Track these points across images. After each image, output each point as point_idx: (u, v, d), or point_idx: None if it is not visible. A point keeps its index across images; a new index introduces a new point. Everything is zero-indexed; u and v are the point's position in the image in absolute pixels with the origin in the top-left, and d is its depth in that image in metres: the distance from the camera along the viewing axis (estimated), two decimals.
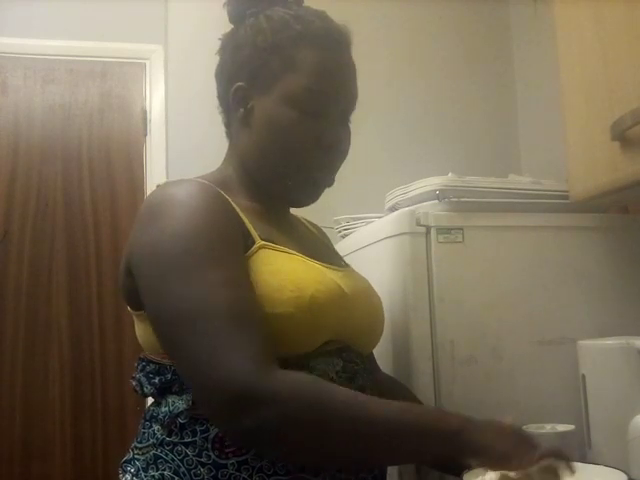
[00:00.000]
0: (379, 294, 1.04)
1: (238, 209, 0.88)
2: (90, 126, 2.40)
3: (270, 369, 0.72)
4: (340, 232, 1.71)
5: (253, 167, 0.96)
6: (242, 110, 0.95)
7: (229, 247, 0.81)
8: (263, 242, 0.85)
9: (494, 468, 0.71)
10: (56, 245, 2.31)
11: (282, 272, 0.83)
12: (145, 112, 2.43)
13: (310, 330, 0.83)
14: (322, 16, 0.97)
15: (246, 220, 0.87)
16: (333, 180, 0.99)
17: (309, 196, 0.98)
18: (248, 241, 0.85)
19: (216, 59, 1.00)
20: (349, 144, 0.99)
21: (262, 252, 0.84)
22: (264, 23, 0.94)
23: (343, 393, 0.76)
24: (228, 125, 1.01)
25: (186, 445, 0.80)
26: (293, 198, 0.99)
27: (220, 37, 1.00)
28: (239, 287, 0.78)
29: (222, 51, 0.99)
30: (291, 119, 0.91)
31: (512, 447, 0.72)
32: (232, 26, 1.00)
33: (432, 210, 1.25)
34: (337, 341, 0.88)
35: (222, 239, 0.81)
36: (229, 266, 0.79)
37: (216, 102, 1.01)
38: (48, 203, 2.32)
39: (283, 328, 0.80)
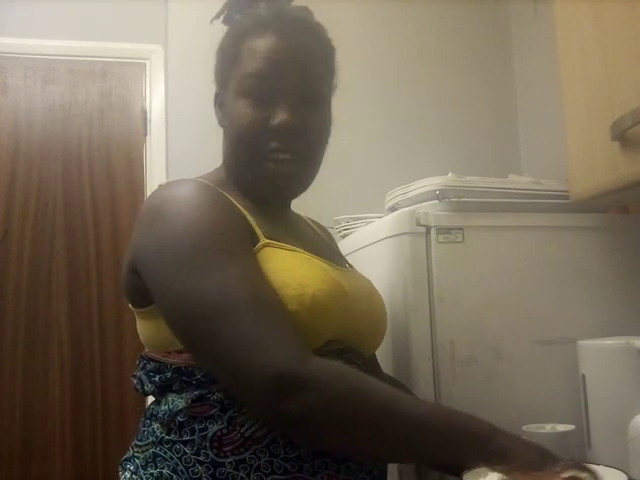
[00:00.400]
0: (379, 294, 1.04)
1: (241, 207, 0.88)
2: (90, 126, 2.40)
3: (309, 354, 0.74)
4: (340, 232, 1.71)
5: (231, 166, 0.98)
6: (220, 113, 0.99)
7: (241, 242, 0.82)
8: (267, 240, 0.86)
9: (516, 477, 0.71)
10: (56, 245, 2.31)
11: (286, 269, 0.83)
12: (145, 112, 2.43)
13: (311, 329, 0.83)
14: (276, 6, 0.96)
15: (250, 218, 0.88)
16: (304, 168, 0.94)
17: (278, 188, 0.94)
18: (253, 239, 0.85)
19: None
20: (318, 127, 0.95)
21: (266, 250, 0.85)
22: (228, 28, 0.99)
23: (381, 384, 0.78)
24: None
25: (184, 443, 0.80)
26: (261, 191, 0.95)
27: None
28: (259, 278, 0.79)
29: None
30: (241, 107, 0.92)
31: (537, 459, 0.73)
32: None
33: (432, 210, 1.25)
34: (338, 342, 0.88)
35: (233, 234, 0.82)
36: (245, 260, 0.80)
37: None
38: (48, 203, 2.32)
39: None
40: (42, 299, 2.28)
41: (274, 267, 0.82)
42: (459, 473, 0.75)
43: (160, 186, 0.90)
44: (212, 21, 1.01)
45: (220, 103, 0.99)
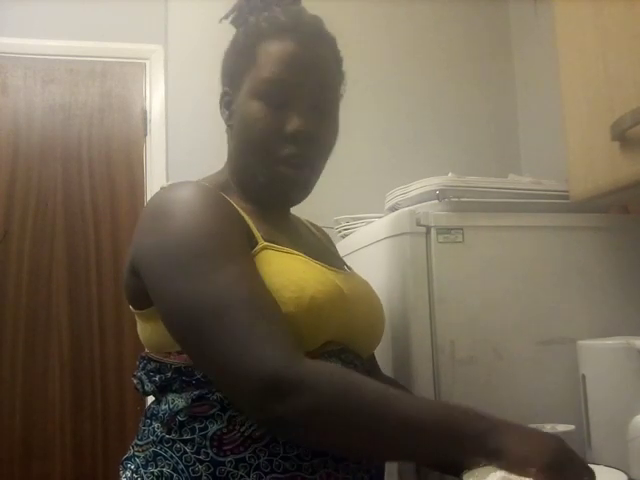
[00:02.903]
0: (379, 294, 1.04)
1: (241, 210, 0.89)
2: (90, 126, 2.40)
3: (300, 357, 0.74)
4: (340, 232, 1.71)
5: (237, 168, 0.97)
6: (227, 113, 0.98)
7: (239, 245, 0.82)
8: (266, 243, 0.86)
9: (514, 472, 0.69)
10: (56, 245, 2.31)
11: (284, 272, 0.83)
12: (145, 112, 2.43)
13: (310, 330, 0.83)
14: (294, 12, 0.97)
15: (249, 221, 0.88)
16: (312, 174, 0.96)
17: (286, 192, 0.96)
18: (252, 242, 0.86)
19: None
20: (327, 135, 0.97)
21: (265, 253, 0.85)
22: (240, 28, 0.98)
23: (373, 384, 0.77)
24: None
25: (185, 442, 0.80)
26: (268, 194, 0.96)
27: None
28: (255, 281, 0.79)
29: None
30: (255, 111, 0.92)
31: (538, 457, 0.69)
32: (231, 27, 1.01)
33: (432, 210, 1.25)
34: (336, 342, 0.89)
35: (231, 237, 0.82)
36: (242, 262, 0.80)
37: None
38: (48, 203, 2.32)
39: None
40: (42, 299, 2.28)
41: (272, 270, 0.83)
42: (458, 473, 0.74)
43: (162, 188, 0.91)
44: (221, 20, 1.00)
45: (227, 102, 0.98)
